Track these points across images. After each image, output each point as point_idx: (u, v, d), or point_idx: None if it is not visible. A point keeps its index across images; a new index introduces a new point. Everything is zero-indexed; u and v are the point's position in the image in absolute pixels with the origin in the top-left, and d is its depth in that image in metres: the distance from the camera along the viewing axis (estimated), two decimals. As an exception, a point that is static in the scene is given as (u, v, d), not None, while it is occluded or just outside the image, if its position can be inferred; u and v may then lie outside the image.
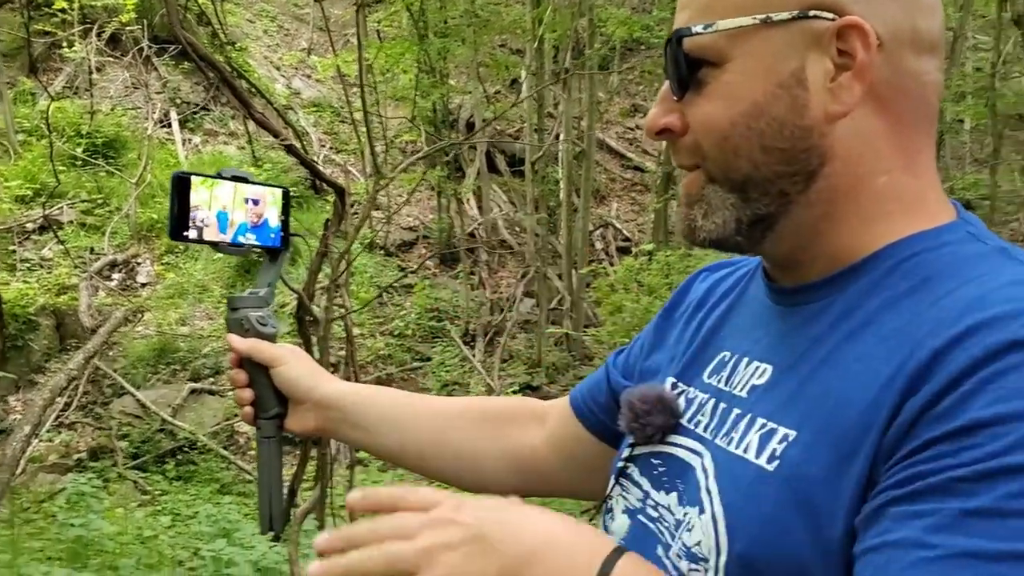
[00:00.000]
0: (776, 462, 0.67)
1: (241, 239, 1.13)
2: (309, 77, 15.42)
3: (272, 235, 1.17)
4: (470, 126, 12.76)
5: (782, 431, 0.69)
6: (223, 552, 3.96)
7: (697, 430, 0.79)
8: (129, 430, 8.17)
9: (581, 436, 1.04)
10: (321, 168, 6.53)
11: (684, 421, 0.82)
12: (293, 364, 1.12)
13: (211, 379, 9.28)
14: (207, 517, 5.64)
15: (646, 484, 0.82)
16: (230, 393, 9.09)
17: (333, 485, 3.94)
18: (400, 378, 10.02)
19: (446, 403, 1.18)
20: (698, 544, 0.70)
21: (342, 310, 4.16)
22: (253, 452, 8.28)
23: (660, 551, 0.76)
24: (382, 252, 12.02)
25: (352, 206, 4.22)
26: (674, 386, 0.86)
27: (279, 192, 1.18)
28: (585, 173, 10.65)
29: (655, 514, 0.79)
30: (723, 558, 0.67)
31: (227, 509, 5.80)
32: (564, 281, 11.04)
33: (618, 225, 13.01)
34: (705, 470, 0.74)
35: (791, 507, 0.64)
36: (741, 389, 0.77)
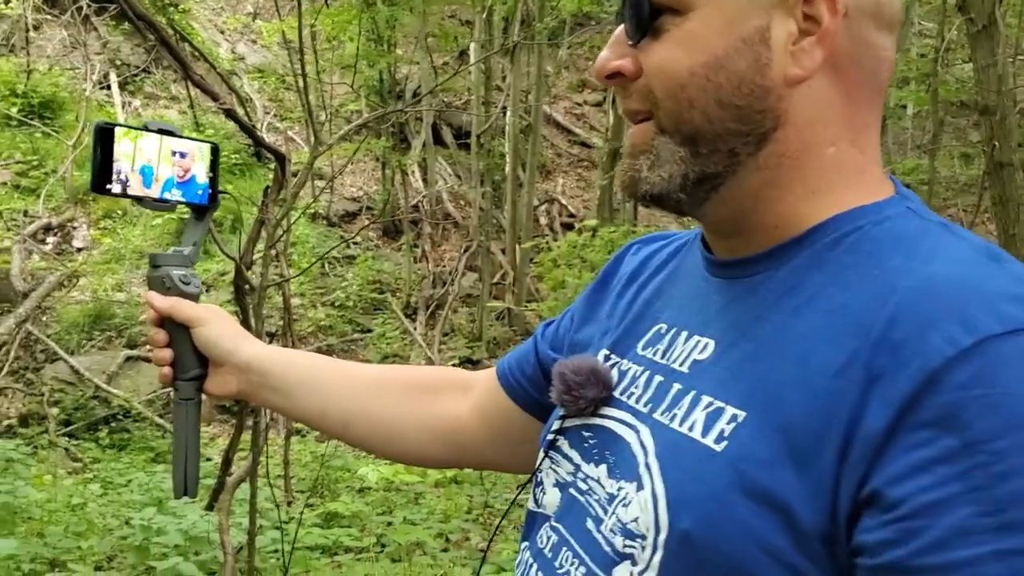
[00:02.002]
0: (724, 443, 0.66)
1: (167, 195, 1.10)
2: (255, 42, 15.12)
3: (199, 192, 1.14)
4: (417, 96, 12.66)
5: (730, 411, 0.67)
6: (153, 521, 3.92)
7: (630, 402, 0.78)
8: (61, 397, 8.00)
9: (507, 408, 1.03)
10: (264, 135, 6.43)
11: (617, 393, 0.81)
12: (214, 324, 1.09)
13: (147, 346, 9.10)
14: (139, 486, 5.58)
15: (576, 457, 0.81)
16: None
17: (269, 455, 3.92)
18: (340, 349, 9.97)
19: (369, 370, 1.17)
20: (635, 520, 0.69)
21: (279, 278, 4.13)
22: (191, 421, 8.19)
23: (590, 524, 0.75)
24: (325, 222, 11.90)
25: (294, 174, 4.17)
26: (607, 358, 0.85)
27: (207, 148, 1.14)
28: (531, 147, 10.65)
29: (585, 487, 0.78)
30: (663, 535, 0.66)
31: (160, 478, 5.73)
32: (507, 256, 11.06)
33: (563, 201, 13.04)
34: (644, 446, 0.73)
35: (738, 490, 0.63)
36: (681, 364, 0.76)
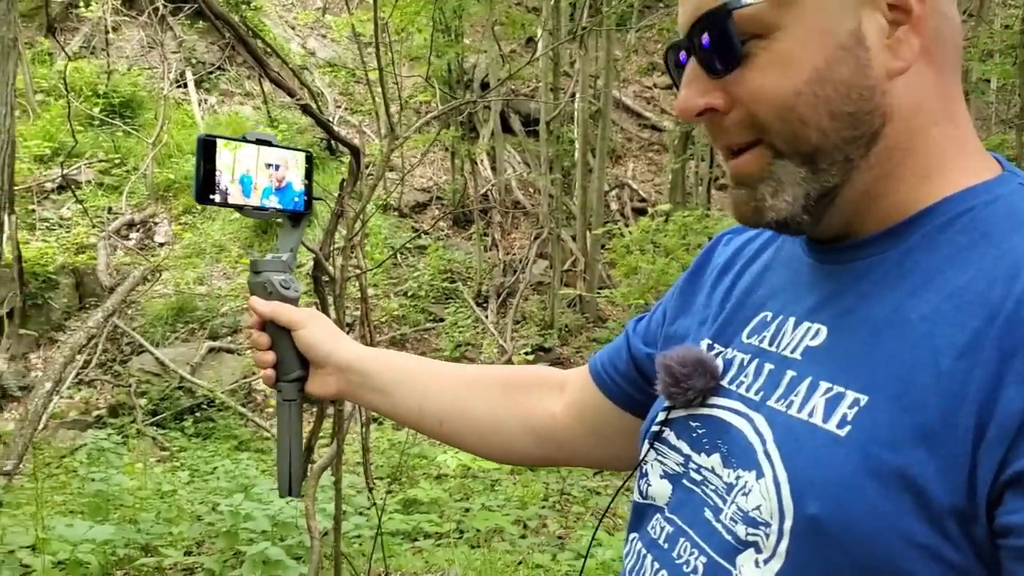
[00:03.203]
0: (847, 427, 0.66)
1: (265, 203, 1.13)
2: (324, 37, 15.33)
3: (295, 199, 1.16)
4: (485, 86, 12.67)
5: (851, 395, 0.67)
6: (241, 507, 4.02)
7: (740, 391, 0.78)
8: (148, 388, 8.27)
9: (600, 404, 1.03)
10: (336, 129, 6.52)
11: (724, 383, 0.81)
12: (315, 327, 1.12)
13: (229, 338, 9.37)
14: (225, 473, 5.73)
15: (685, 447, 0.81)
16: (248, 351, 9.18)
17: (348, 443, 3.98)
18: (413, 338, 10.08)
19: (465, 369, 1.18)
20: (757, 508, 0.69)
21: (357, 270, 4.18)
22: (271, 410, 8.38)
23: (708, 514, 0.76)
24: (396, 214, 12.03)
25: (367, 167, 4.22)
26: (710, 347, 0.85)
27: (302, 156, 1.17)
28: (601, 132, 10.58)
29: (699, 477, 0.78)
30: (788, 522, 0.66)
31: (244, 465, 5.88)
32: (578, 242, 11.03)
33: (634, 185, 12.94)
34: (760, 433, 0.73)
35: (866, 473, 0.63)
36: (792, 351, 0.75)
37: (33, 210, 10.32)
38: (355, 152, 3.47)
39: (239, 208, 1.11)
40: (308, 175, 1.18)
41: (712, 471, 0.77)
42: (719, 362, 0.82)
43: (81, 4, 12.69)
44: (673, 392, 0.81)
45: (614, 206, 12.38)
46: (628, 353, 1.01)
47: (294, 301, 1.12)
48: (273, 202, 1.14)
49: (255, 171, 1.11)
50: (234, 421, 8.00)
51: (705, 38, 0.72)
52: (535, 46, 13.23)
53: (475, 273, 11.30)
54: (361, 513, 4.84)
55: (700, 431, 0.80)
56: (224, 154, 1.08)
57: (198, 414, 8.07)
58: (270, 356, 1.13)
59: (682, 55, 0.78)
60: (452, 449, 6.04)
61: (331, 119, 12.40)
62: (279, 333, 1.11)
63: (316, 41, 15.32)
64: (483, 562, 4.53)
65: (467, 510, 5.52)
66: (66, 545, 3.70)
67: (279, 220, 1.18)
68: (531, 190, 12.87)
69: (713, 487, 0.76)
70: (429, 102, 12.81)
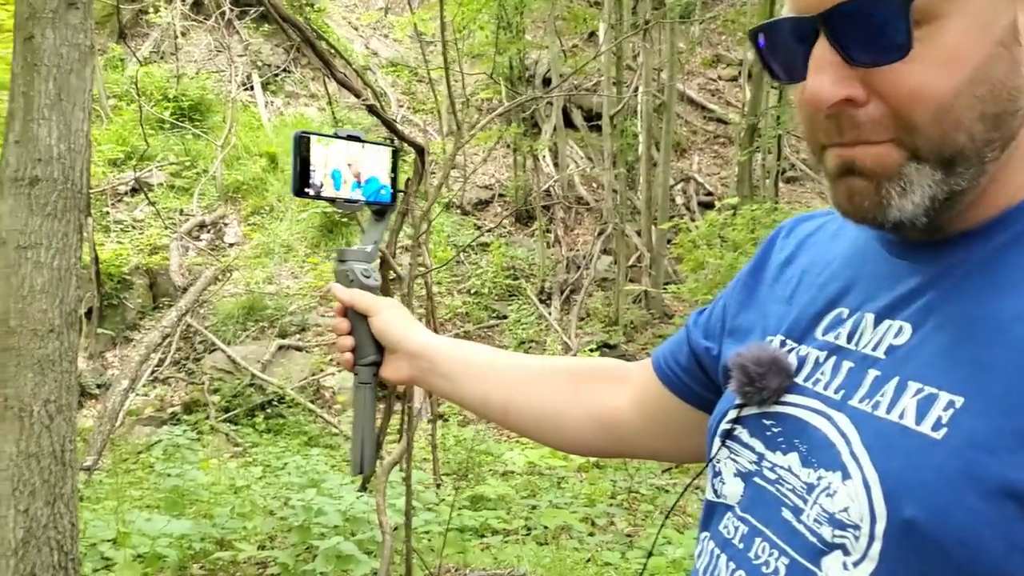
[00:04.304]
0: (943, 430, 0.63)
1: (353, 195, 1.19)
2: (387, 37, 15.46)
3: (381, 192, 1.22)
4: (547, 81, 12.64)
5: (945, 397, 0.64)
6: (313, 502, 4.08)
7: (817, 389, 0.76)
8: (220, 385, 8.44)
9: (664, 398, 1.02)
10: (400, 128, 6.55)
11: (799, 380, 0.78)
12: (390, 315, 1.16)
13: (297, 336, 9.51)
14: (296, 468, 5.81)
15: (759, 446, 0.79)
16: (316, 349, 9.31)
17: (415, 439, 4.00)
18: (477, 335, 10.11)
19: (532, 360, 1.19)
20: (845, 510, 0.67)
21: (422, 268, 4.19)
22: (338, 406, 8.49)
23: (787, 514, 0.73)
24: (458, 211, 12.07)
25: (429, 165, 4.22)
26: (782, 344, 0.83)
27: (388, 151, 1.22)
28: (665, 126, 10.47)
29: (773, 476, 0.76)
30: (880, 525, 0.65)
31: (315, 461, 5.96)
32: (643, 237, 10.93)
33: (700, 179, 12.78)
34: (844, 434, 0.70)
35: (966, 477, 0.61)
36: (875, 349, 0.72)
37: (108, 212, 10.61)
38: (420, 151, 3.48)
39: (331, 200, 1.17)
40: (394, 169, 1.23)
41: (789, 470, 0.74)
42: (793, 359, 0.80)
43: (151, 10, 13.01)
44: (748, 391, 0.79)
45: (679, 200, 12.25)
46: (688, 347, 1.00)
47: (374, 289, 1.18)
48: (361, 195, 1.20)
49: (344, 166, 1.17)
50: (303, 417, 8.12)
51: (860, 21, 0.64)
52: (597, 40, 13.16)
53: (538, 270, 11.28)
54: (430, 509, 4.86)
55: (775, 429, 0.78)
56: (317, 149, 1.14)
57: (269, 410, 8.21)
58: (349, 341, 1.18)
59: (761, 39, 0.72)
60: (519, 446, 6.03)
61: (394, 118, 12.50)
62: (357, 319, 1.17)
63: (379, 41, 15.47)
64: (552, 559, 4.51)
65: (534, 507, 5.51)
66: (146, 539, 3.78)
67: (356, 215, 1.22)
68: (594, 185, 12.80)
69: (791, 487, 0.74)
70: (491, 99, 12.84)
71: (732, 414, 0.83)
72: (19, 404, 2.64)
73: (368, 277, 1.17)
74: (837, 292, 0.81)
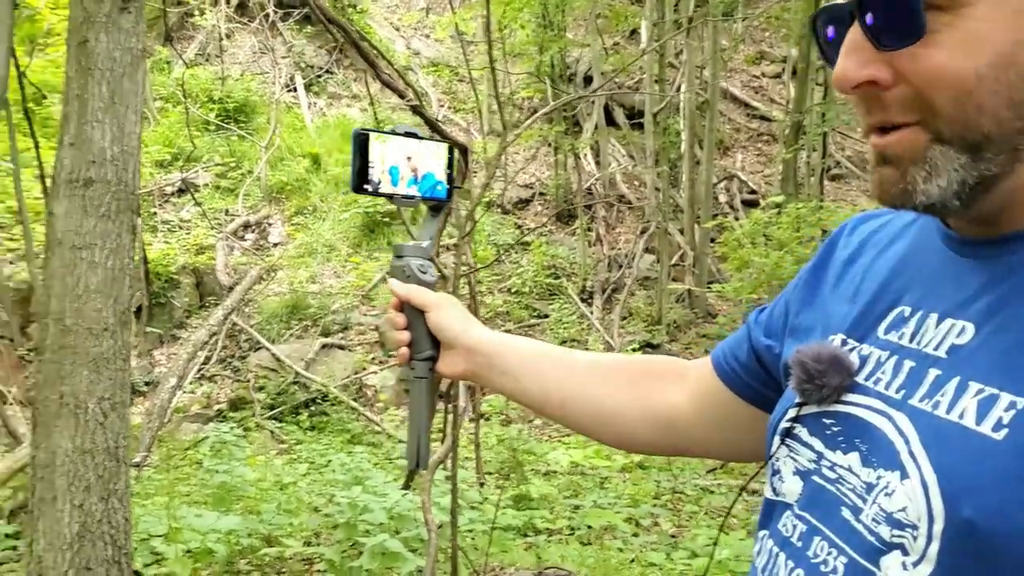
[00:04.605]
0: (1004, 431, 0.63)
1: (410, 192, 1.20)
2: (428, 37, 15.53)
3: (437, 188, 1.22)
4: (588, 79, 12.61)
5: (1006, 398, 0.64)
6: (358, 499, 4.11)
7: (878, 388, 0.75)
8: (265, 382, 8.54)
9: (723, 396, 1.02)
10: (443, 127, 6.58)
11: (860, 379, 0.78)
12: (447, 310, 1.17)
13: (340, 334, 9.59)
14: (340, 465, 5.86)
15: (818, 444, 0.79)
16: (358, 348, 9.39)
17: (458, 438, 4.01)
18: (518, 334, 10.09)
19: (589, 356, 1.19)
20: (903, 510, 0.67)
21: (466, 267, 4.20)
22: (380, 404, 8.55)
23: (847, 513, 0.74)
24: (499, 210, 12.08)
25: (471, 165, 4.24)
26: (844, 343, 0.82)
27: (444, 147, 1.23)
28: (708, 124, 10.39)
29: (833, 475, 0.76)
30: (938, 525, 0.64)
31: (359, 458, 6.00)
32: (686, 236, 10.86)
33: (743, 177, 12.66)
34: (903, 434, 0.70)
35: None
36: (936, 348, 0.72)
37: (155, 213, 10.79)
38: (463, 150, 3.49)
39: (388, 197, 1.18)
40: (450, 165, 1.23)
41: (849, 469, 0.74)
42: (854, 358, 0.79)
43: (196, 13, 13.20)
44: (807, 389, 0.79)
45: (723, 198, 12.14)
46: (749, 344, 0.99)
47: (430, 285, 1.18)
48: (417, 191, 1.20)
49: (402, 162, 1.18)
50: (347, 415, 8.19)
51: (881, 6, 0.67)
52: (639, 38, 13.10)
53: (579, 269, 11.25)
54: (473, 507, 4.87)
55: (835, 428, 0.78)
56: (376, 146, 1.15)
57: (312, 408, 8.29)
58: (405, 335, 1.19)
59: (831, 31, 0.73)
60: (563, 445, 6.02)
61: (436, 118, 12.54)
62: (414, 314, 1.17)
63: (420, 41, 15.54)
64: (596, 559, 4.50)
65: (577, 507, 5.50)
66: (195, 534, 3.84)
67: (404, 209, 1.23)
68: (636, 183, 12.74)
69: (851, 486, 0.74)
70: (531, 97, 12.83)
71: (792, 412, 0.83)
72: (75, 401, 2.70)
73: (425, 273, 1.18)
74: (899, 290, 0.80)
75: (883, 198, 0.72)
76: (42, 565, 2.72)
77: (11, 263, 8.99)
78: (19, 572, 4.10)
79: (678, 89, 11.37)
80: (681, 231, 11.09)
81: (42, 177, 5.59)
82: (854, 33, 0.69)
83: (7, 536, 4.37)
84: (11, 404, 6.82)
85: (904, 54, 0.67)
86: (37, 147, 5.47)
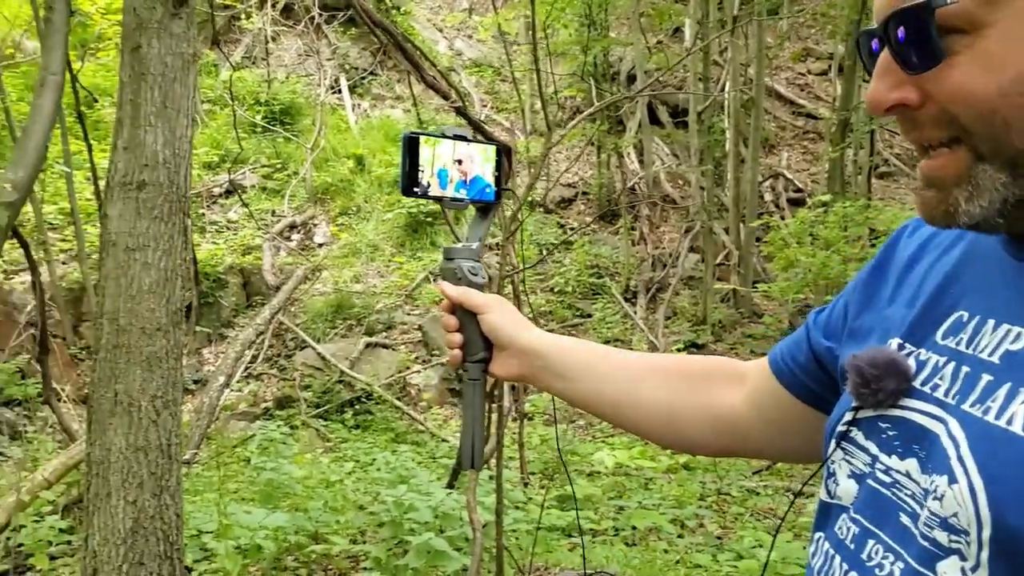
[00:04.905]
0: None
1: (459, 195, 1.20)
2: (471, 37, 15.57)
3: (486, 190, 1.22)
4: (631, 78, 12.56)
5: None
6: (404, 497, 4.13)
7: (936, 394, 0.75)
8: (311, 381, 8.63)
9: (780, 396, 1.02)
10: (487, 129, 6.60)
11: (917, 384, 0.78)
12: (500, 312, 1.17)
13: (384, 334, 9.66)
14: (385, 464, 5.90)
15: (873, 448, 0.79)
16: (402, 347, 9.45)
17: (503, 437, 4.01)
18: (561, 334, 10.08)
19: (645, 358, 1.19)
20: (954, 515, 0.67)
21: (510, 268, 4.20)
22: (424, 403, 8.59)
23: (905, 519, 0.74)
24: (541, 209, 12.08)
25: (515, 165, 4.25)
26: (901, 347, 0.82)
27: (493, 149, 1.23)
28: (753, 122, 10.29)
29: (888, 479, 0.77)
30: (986, 531, 0.64)
31: (403, 457, 6.04)
32: (731, 235, 10.76)
33: (789, 175, 12.51)
34: (953, 438, 0.70)
35: None
36: (991, 354, 0.72)
37: (203, 214, 10.97)
38: (507, 151, 3.50)
39: (437, 200, 1.18)
40: (498, 167, 1.23)
41: (907, 475, 0.74)
42: (911, 362, 0.79)
43: (243, 16, 13.38)
44: (863, 393, 0.79)
45: (768, 197, 12.01)
46: (808, 346, 0.99)
47: (481, 287, 1.18)
48: (466, 194, 1.20)
49: (451, 165, 1.18)
50: (391, 414, 8.24)
51: (901, 32, 0.69)
52: (682, 36, 13.01)
53: (623, 268, 11.21)
54: (518, 507, 4.88)
55: (891, 433, 0.78)
56: (425, 150, 1.15)
57: (357, 407, 8.36)
58: (457, 338, 1.19)
59: (875, 43, 0.75)
60: (607, 446, 6.00)
61: (479, 118, 12.58)
62: (466, 316, 1.17)
63: (463, 42, 15.59)
64: (641, 561, 4.48)
65: (621, 508, 5.48)
66: (245, 531, 3.89)
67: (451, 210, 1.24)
68: (680, 182, 12.66)
69: (908, 492, 0.74)
70: (574, 97, 12.81)
71: (848, 416, 0.83)
72: (128, 399, 2.75)
73: (476, 275, 1.18)
74: (958, 295, 0.80)
75: (928, 219, 0.74)
76: (97, 559, 2.78)
77: (63, 263, 9.21)
78: (73, 566, 4.19)
79: (723, 87, 11.27)
80: (726, 230, 11.00)
81: (95, 179, 5.73)
82: (885, 56, 0.72)
83: (61, 531, 4.47)
84: (64, 402, 6.98)
85: (929, 76, 0.69)
86: (90, 150, 5.60)
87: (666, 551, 4.74)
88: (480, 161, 1.21)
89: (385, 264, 10.92)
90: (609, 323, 10.20)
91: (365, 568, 4.13)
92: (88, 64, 10.25)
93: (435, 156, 1.16)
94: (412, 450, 6.82)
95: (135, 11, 2.82)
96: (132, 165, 2.79)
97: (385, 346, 9.43)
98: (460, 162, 1.19)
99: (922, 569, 0.70)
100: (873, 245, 7.33)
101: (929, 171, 0.72)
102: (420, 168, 1.15)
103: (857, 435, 0.82)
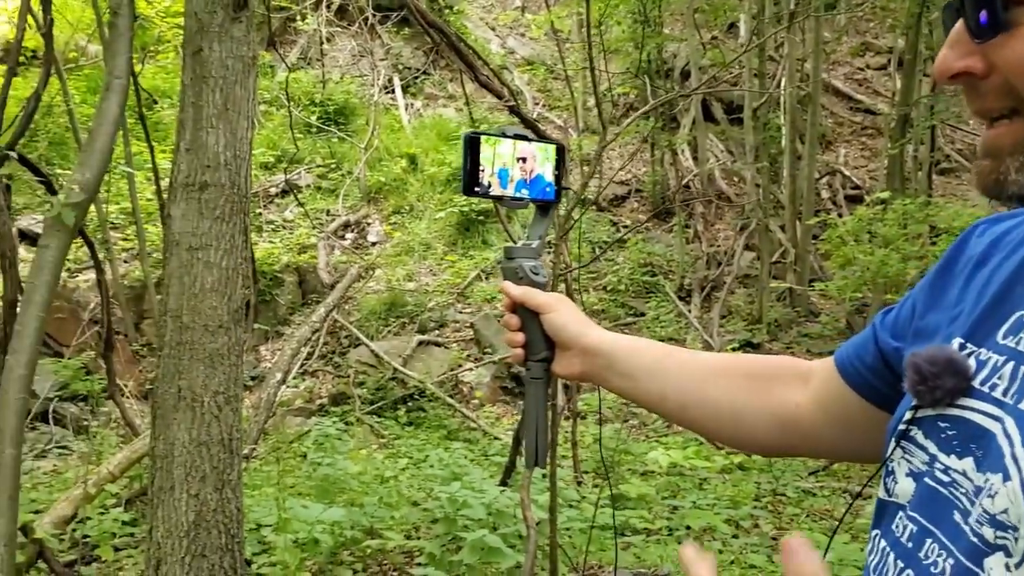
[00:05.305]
0: None
1: (519, 194, 1.19)
2: (523, 35, 15.58)
3: (546, 189, 1.22)
4: (685, 75, 12.45)
5: None
6: (457, 494, 4.16)
7: (995, 394, 0.75)
8: (364, 378, 8.72)
9: (846, 396, 1.01)
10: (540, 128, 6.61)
11: (977, 384, 0.77)
12: (563, 311, 1.17)
13: (436, 332, 9.72)
14: (438, 461, 5.94)
15: (932, 447, 0.79)
16: (454, 345, 9.50)
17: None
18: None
19: (710, 357, 1.19)
20: (1004, 512, 0.67)
21: (564, 267, 4.20)
22: (476, 401, 8.63)
23: (958, 516, 0.74)
24: (594, 207, 12.04)
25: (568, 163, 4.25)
26: (962, 347, 0.82)
27: (552, 148, 1.22)
28: (810, 118, 10.13)
29: (946, 478, 0.76)
30: None
31: (457, 454, 6.08)
32: (787, 233, 10.62)
33: (846, 172, 12.30)
34: (1008, 436, 0.70)
35: None
36: None
37: (260, 213, 11.15)
38: (561, 149, 3.50)
39: (498, 199, 1.18)
40: (558, 166, 1.22)
41: (963, 474, 0.74)
42: (972, 362, 0.79)
43: (298, 18, 13.57)
44: (920, 391, 0.79)
45: (825, 194, 11.83)
46: (875, 346, 0.98)
47: (543, 286, 1.18)
48: (527, 193, 1.20)
49: (511, 164, 1.18)
50: (443, 411, 8.30)
51: (973, 2, 0.71)
52: (737, 32, 12.86)
53: (677, 266, 11.12)
54: (571, 506, 4.88)
55: (949, 432, 0.77)
56: (486, 149, 1.15)
57: (410, 404, 8.43)
58: (520, 337, 1.19)
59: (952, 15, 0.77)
60: (662, 445, 5.97)
61: (532, 117, 12.58)
62: (528, 315, 1.17)
63: (515, 40, 15.61)
64: (695, 560, 4.45)
65: (675, 508, 5.45)
66: (303, 525, 3.95)
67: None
68: (735, 179, 12.52)
69: (963, 490, 0.74)
70: (627, 94, 12.75)
71: (908, 415, 0.83)
72: (191, 395, 2.82)
73: (537, 274, 1.17)
74: (1019, 295, 0.79)
75: (979, 187, 0.76)
76: (161, 551, 2.85)
77: (125, 262, 9.44)
78: (137, 557, 4.30)
79: (779, 83, 11.12)
80: (782, 228, 10.86)
81: (156, 180, 5.86)
82: (958, 26, 0.74)
83: (125, 523, 4.59)
84: (127, 397, 7.15)
85: (994, 45, 0.71)
86: (152, 151, 5.73)
87: (720, 551, 4.70)
88: (540, 160, 1.20)
89: (437, 262, 10.99)
90: (663, 322, 10.14)
91: (419, 564, 4.16)
92: (148, 67, 10.48)
93: (495, 156, 1.16)
94: (464, 447, 6.86)
95: (196, 15, 2.88)
96: (194, 166, 2.85)
97: (437, 344, 9.49)
98: (524, 160, 1.19)
99: (970, 565, 0.70)
100: (934, 243, 7.18)
101: (988, 141, 0.74)
102: (481, 168, 1.15)
103: (917, 434, 0.81)
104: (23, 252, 7.39)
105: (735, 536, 5.04)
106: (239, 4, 2.88)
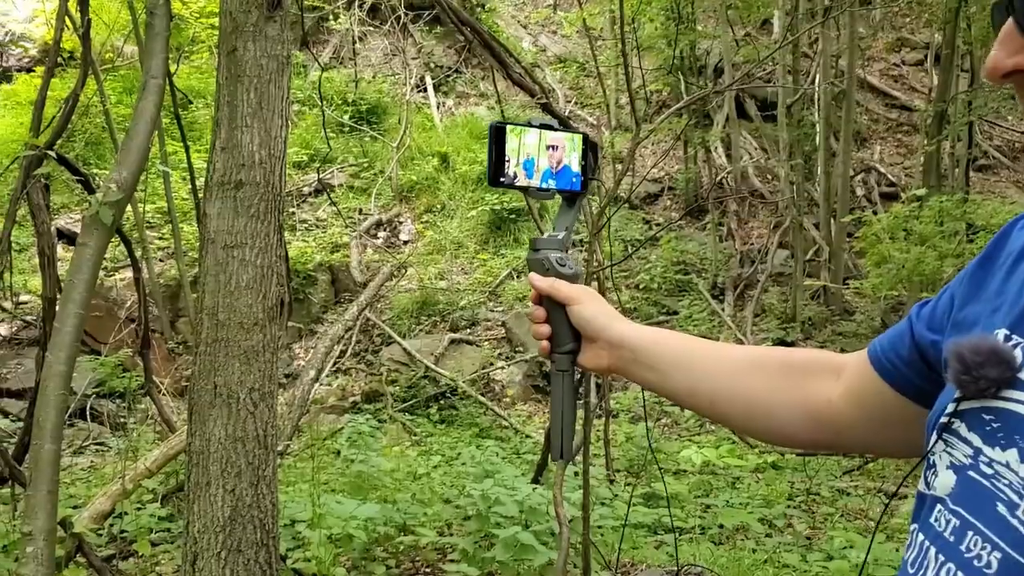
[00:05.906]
0: None
1: (545, 185, 1.18)
2: (555, 33, 15.56)
3: (573, 180, 1.20)
4: (719, 71, 12.36)
5: None
6: (490, 491, 4.16)
7: None
8: (397, 376, 8.77)
9: (880, 390, 0.99)
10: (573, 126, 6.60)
11: (1022, 375, 0.75)
12: (590, 303, 1.15)
13: (468, 330, 9.74)
14: (471, 458, 5.96)
15: (976, 440, 0.78)
16: (486, 344, 9.52)
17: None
18: (649, 329, 10.00)
19: (738, 350, 1.17)
20: None
21: (597, 264, 4.19)
22: (507, 399, 8.64)
23: (1003, 509, 0.73)
24: (626, 205, 11.99)
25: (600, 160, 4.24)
26: (1007, 338, 0.80)
27: (579, 138, 1.21)
28: (845, 115, 10.02)
29: (990, 471, 0.75)
30: None
31: (489, 452, 6.09)
32: (822, 230, 10.52)
33: (882, 169, 12.15)
34: None
35: None
36: None
37: (293, 212, 11.23)
38: (593, 148, 3.50)
39: (524, 190, 1.17)
40: (585, 156, 1.21)
41: (1007, 466, 0.73)
42: (1017, 353, 0.77)
43: (331, 17, 13.65)
44: (964, 380, 0.77)
45: (860, 192, 11.69)
46: (911, 339, 0.96)
47: (570, 278, 1.16)
48: (552, 184, 1.19)
49: (537, 155, 1.16)
50: (475, 409, 8.32)
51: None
52: (771, 28, 12.75)
53: (710, 264, 11.06)
54: (604, 504, 4.87)
55: (994, 424, 0.76)
56: (511, 140, 1.14)
57: (442, 402, 8.46)
58: (546, 329, 1.18)
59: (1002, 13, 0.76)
60: (695, 444, 5.94)
61: (564, 114, 12.56)
62: (555, 307, 1.15)
63: (547, 38, 15.59)
64: (728, 559, 4.43)
65: (708, 507, 5.42)
66: (337, 521, 3.98)
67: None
68: (769, 177, 12.42)
69: (1007, 482, 0.73)
70: (660, 91, 12.68)
71: (951, 407, 0.81)
72: (227, 391, 2.84)
73: (563, 265, 1.15)
74: None
75: None
76: (197, 545, 2.88)
77: (161, 261, 9.55)
78: (173, 552, 4.35)
79: (813, 80, 11.01)
80: (816, 225, 10.75)
81: (192, 179, 5.93)
82: (1008, 24, 0.73)
83: (161, 518, 4.65)
84: (163, 394, 7.25)
85: None
86: (187, 150, 5.79)
87: (754, 550, 4.67)
88: (567, 149, 1.19)
89: (469, 261, 11.01)
90: (696, 320, 10.08)
91: (452, 560, 4.18)
92: (183, 67, 10.59)
93: (521, 146, 1.14)
94: (496, 445, 6.87)
95: (231, 15, 2.90)
96: (230, 165, 2.88)
97: (469, 342, 9.51)
98: (555, 147, 1.17)
99: (1020, 558, 0.69)
100: (971, 240, 7.06)
101: None
102: (506, 158, 1.13)
103: (960, 427, 0.80)
104: (61, 251, 7.50)
105: (768, 535, 5.00)
106: (273, 3, 2.90)
